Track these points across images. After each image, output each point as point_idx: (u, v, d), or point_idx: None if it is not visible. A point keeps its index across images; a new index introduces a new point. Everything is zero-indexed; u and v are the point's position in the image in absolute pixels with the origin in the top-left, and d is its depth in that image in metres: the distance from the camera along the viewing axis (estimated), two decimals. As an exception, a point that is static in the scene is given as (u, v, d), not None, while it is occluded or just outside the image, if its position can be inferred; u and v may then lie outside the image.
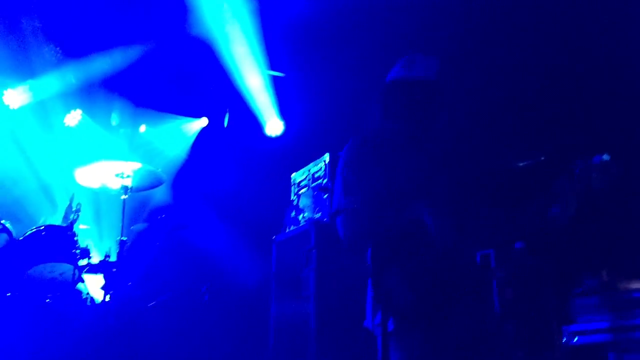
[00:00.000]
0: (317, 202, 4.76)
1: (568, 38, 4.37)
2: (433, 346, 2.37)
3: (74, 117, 6.75)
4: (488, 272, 2.50)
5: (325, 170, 4.75)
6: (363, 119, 5.79)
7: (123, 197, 4.61)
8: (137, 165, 4.67)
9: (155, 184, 4.96)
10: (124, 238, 4.57)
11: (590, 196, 2.30)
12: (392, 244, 2.37)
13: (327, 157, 4.77)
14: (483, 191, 2.49)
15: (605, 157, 2.18)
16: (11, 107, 6.36)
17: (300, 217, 4.87)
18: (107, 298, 4.34)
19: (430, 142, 2.58)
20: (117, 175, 4.62)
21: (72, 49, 6.46)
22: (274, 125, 6.83)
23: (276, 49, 6.45)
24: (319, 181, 4.80)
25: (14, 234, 4.37)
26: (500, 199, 2.46)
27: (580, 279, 3.91)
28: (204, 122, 7.30)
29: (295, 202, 5.02)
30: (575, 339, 3.69)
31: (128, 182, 4.63)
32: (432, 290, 2.39)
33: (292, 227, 4.88)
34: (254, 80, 6.65)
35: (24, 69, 6.30)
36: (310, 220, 4.64)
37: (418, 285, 2.41)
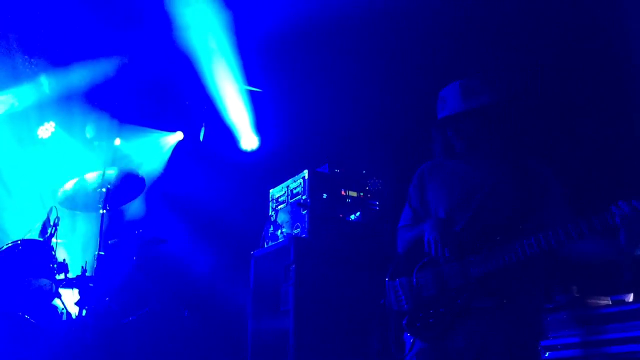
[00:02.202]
0: (295, 218, 4.81)
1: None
2: (424, 352, 2.49)
3: (46, 129, 6.66)
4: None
5: (304, 186, 4.80)
6: (343, 135, 5.87)
7: (101, 211, 4.59)
8: (113, 170, 4.69)
9: (135, 190, 4.95)
10: (101, 252, 4.54)
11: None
12: (404, 256, 2.73)
13: (305, 173, 4.82)
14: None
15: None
16: (-18, 118, 6.27)
17: (279, 232, 4.91)
18: (84, 313, 4.31)
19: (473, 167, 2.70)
20: (95, 188, 4.61)
21: (47, 60, 6.40)
22: (248, 140, 6.87)
23: (253, 64, 6.51)
24: (298, 197, 4.85)
25: (-11, 249, 4.31)
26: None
27: (550, 295, 4.02)
28: (179, 136, 7.28)
29: (273, 218, 5.06)
30: (547, 355, 3.79)
31: (107, 194, 4.63)
32: (429, 303, 2.50)
33: (270, 243, 4.92)
34: (231, 95, 6.68)
35: (-3, 80, 6.22)
36: (289, 236, 4.69)
37: (414, 296, 2.54)
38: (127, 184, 4.89)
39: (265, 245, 4.92)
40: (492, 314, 2.42)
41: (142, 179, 4.96)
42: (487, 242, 2.45)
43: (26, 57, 6.27)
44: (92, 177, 4.73)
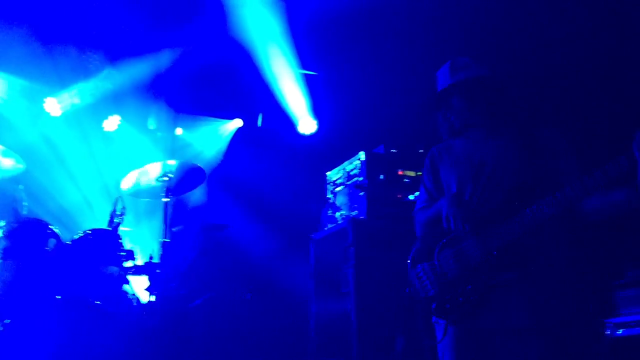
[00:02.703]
0: (353, 200, 4.80)
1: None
2: (458, 336, 2.46)
3: (112, 122, 6.90)
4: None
5: (361, 168, 4.78)
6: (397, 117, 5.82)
7: (164, 199, 4.72)
8: (173, 162, 4.79)
9: (196, 180, 5.05)
10: (166, 239, 4.68)
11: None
12: (423, 240, 2.71)
13: (362, 155, 4.80)
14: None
15: None
16: (52, 114, 6.54)
17: (337, 214, 4.92)
18: (152, 298, 4.47)
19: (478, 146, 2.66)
20: (158, 178, 4.74)
21: (108, 54, 6.60)
22: (306, 124, 6.90)
23: (308, 49, 6.51)
24: (355, 179, 4.84)
25: (62, 239, 4.52)
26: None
27: (622, 270, 3.88)
28: (238, 123, 7.39)
29: (331, 200, 5.07)
30: (620, 332, 3.67)
31: (169, 184, 4.75)
32: (455, 283, 2.46)
33: (329, 225, 4.93)
34: (287, 80, 6.71)
35: (63, 77, 6.46)
36: (347, 218, 4.69)
37: (439, 279, 2.50)
38: (188, 175, 4.98)
39: (324, 228, 4.94)
40: (518, 287, 2.36)
41: (202, 170, 5.03)
42: (503, 214, 2.41)
43: (87, 52, 6.49)
44: (154, 167, 4.85)
